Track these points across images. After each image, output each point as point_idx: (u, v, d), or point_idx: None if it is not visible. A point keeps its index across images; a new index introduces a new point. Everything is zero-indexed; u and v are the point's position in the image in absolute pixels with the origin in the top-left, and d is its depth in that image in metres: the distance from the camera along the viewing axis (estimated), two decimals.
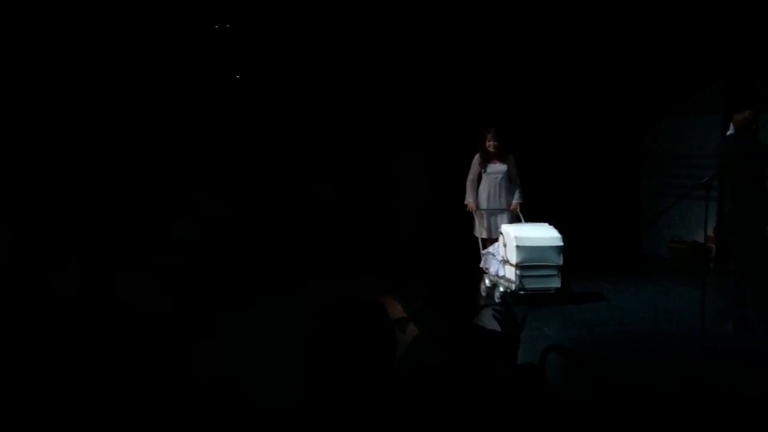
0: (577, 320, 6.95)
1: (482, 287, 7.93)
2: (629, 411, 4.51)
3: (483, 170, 8.03)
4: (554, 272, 7.37)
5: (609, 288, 8.20)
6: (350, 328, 2.18)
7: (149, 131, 9.35)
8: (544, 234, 7.53)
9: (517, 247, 7.28)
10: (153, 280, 6.11)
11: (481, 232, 8.11)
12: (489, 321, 3.54)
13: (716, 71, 9.25)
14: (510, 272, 7.42)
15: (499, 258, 7.63)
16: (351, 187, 10.08)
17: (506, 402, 2.61)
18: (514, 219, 8.03)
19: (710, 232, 8.78)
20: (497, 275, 7.64)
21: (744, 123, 6.35)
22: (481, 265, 7.93)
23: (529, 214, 8.13)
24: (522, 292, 7.28)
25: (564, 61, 9.84)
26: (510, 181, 8.04)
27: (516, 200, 8.04)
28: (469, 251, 8.28)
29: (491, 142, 7.90)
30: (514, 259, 7.31)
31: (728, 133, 6.58)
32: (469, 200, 8.09)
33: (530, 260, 7.30)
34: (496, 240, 7.85)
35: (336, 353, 2.14)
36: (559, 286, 7.40)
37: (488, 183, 8.03)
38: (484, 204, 8.07)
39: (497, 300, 7.54)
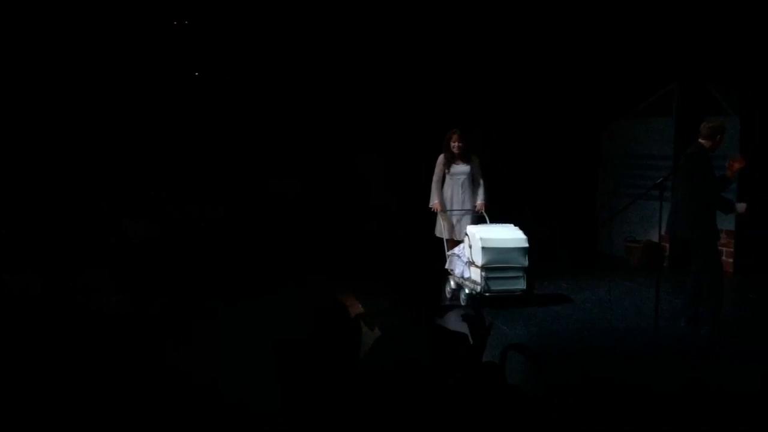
0: (536, 318, 7.05)
1: (447, 289, 7.90)
2: (587, 407, 4.63)
3: (447, 171, 8.02)
4: (519, 274, 7.36)
5: (566, 286, 8.35)
6: (317, 331, 2.21)
7: (108, 129, 9.20)
8: (509, 235, 7.50)
9: (483, 248, 7.25)
10: (109, 279, 6.02)
11: (445, 233, 8.06)
12: (454, 323, 3.60)
13: (670, 75, 9.48)
14: (475, 274, 7.39)
15: (465, 260, 7.59)
16: (316, 186, 10.07)
17: (467, 400, 2.66)
18: (479, 220, 8.01)
19: (664, 232, 9.02)
20: (462, 277, 7.59)
21: (710, 131, 6.45)
22: (446, 267, 7.88)
23: (490, 214, 8.19)
24: (487, 294, 7.24)
25: (524, 65, 9.97)
26: (473, 182, 8.05)
27: (480, 201, 8.02)
28: (432, 252, 8.32)
29: (456, 144, 7.90)
30: (479, 261, 7.28)
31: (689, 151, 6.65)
32: (434, 201, 8.05)
33: (496, 262, 7.27)
34: (460, 241, 7.86)
35: (305, 355, 2.16)
36: (525, 287, 7.38)
37: (452, 184, 8.03)
38: (448, 205, 8.05)
39: (462, 302, 7.54)
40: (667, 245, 9.37)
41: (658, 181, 6.39)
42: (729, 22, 8.68)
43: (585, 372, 5.48)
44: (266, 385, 2.26)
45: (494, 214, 8.09)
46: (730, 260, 8.75)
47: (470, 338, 2.84)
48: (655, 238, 8.62)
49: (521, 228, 7.68)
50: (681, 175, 6.57)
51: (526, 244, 7.41)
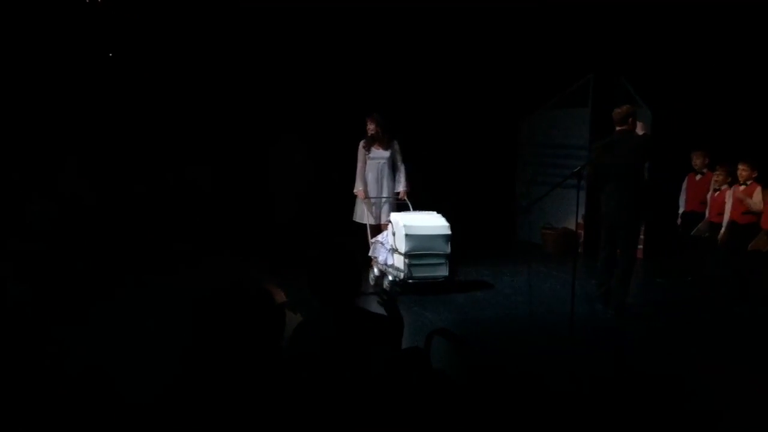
0: (458, 304, 7.13)
1: (371, 276, 7.90)
2: (507, 391, 4.70)
3: (367, 154, 8.08)
4: (442, 261, 7.42)
5: (487, 273, 8.49)
6: (234, 315, 2.14)
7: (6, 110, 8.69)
8: (432, 223, 7.55)
9: (407, 235, 7.28)
10: (9, 267, 5.74)
11: (369, 219, 8.11)
12: (376, 309, 3.58)
13: (586, 67, 9.74)
14: (399, 261, 7.42)
15: (388, 247, 7.61)
16: (228, 172, 9.86)
17: (391, 385, 2.64)
18: (402, 206, 8.07)
19: (580, 219, 9.29)
20: (386, 264, 7.61)
21: (622, 117, 6.63)
22: (370, 254, 7.89)
23: (412, 201, 8.25)
24: (410, 281, 7.29)
25: (446, 54, 10.02)
26: (393, 167, 8.11)
27: (402, 188, 8.09)
28: (352, 237, 8.32)
29: (371, 126, 7.99)
30: (402, 248, 7.31)
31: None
32: (358, 188, 8.09)
33: (419, 249, 7.31)
34: (382, 227, 7.89)
35: (218, 339, 2.10)
36: (447, 274, 7.45)
37: (372, 168, 8.08)
38: (370, 189, 8.08)
39: (386, 288, 7.54)
40: (582, 232, 9.67)
41: (575, 169, 6.51)
42: (642, 18, 8.98)
43: (505, 358, 5.58)
44: (166, 376, 2.19)
45: (416, 201, 8.16)
46: (640, 246, 9.08)
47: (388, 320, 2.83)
48: (572, 226, 8.87)
49: (442, 216, 7.74)
50: (609, 161, 6.67)
51: (449, 232, 7.48)
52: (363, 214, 8.15)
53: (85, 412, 2.70)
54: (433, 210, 7.86)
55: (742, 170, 7.29)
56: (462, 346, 3.77)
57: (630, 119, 6.62)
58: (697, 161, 8.16)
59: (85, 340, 4.99)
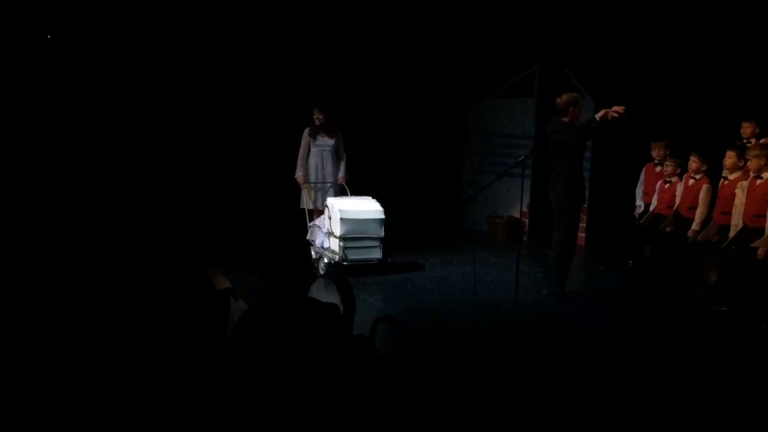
0: (404, 292, 7.17)
1: (320, 265, 7.99)
2: (452, 379, 4.75)
3: (312, 142, 8.47)
4: (376, 244, 7.69)
5: (433, 260, 8.55)
6: (181, 306, 2.12)
7: None
8: (366, 207, 7.80)
9: (341, 219, 7.54)
10: None
11: (308, 204, 8.47)
12: (317, 291, 3.56)
13: (531, 58, 9.86)
14: (334, 244, 7.68)
15: (325, 230, 7.87)
16: (177, 162, 9.66)
17: (339, 372, 2.64)
18: (341, 192, 8.45)
19: (525, 208, 9.44)
20: (322, 247, 7.87)
21: (563, 106, 6.72)
22: (308, 238, 8.09)
23: (359, 189, 8.36)
24: (345, 263, 7.51)
25: (392, 43, 9.99)
26: (337, 156, 8.53)
27: (341, 174, 8.50)
28: (298, 224, 8.39)
29: (318, 116, 8.39)
30: (338, 231, 7.57)
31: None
32: (299, 174, 8.51)
33: (353, 232, 7.57)
34: (323, 212, 8.09)
35: (169, 330, 2.07)
36: (381, 257, 7.73)
37: (316, 155, 8.50)
38: (312, 175, 8.49)
39: (321, 271, 7.62)
40: (527, 221, 9.82)
41: (520, 158, 6.62)
42: (587, 9, 9.12)
43: (450, 345, 5.63)
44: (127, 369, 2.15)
45: (363, 189, 8.27)
46: (582, 234, 9.26)
47: (340, 305, 2.83)
48: (517, 214, 8.99)
49: (386, 203, 7.90)
50: (552, 149, 6.80)
51: (383, 216, 7.73)
52: (304, 199, 8.50)
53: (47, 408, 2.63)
54: (376, 197, 8.01)
55: (693, 161, 7.36)
56: (406, 333, 3.79)
57: (571, 108, 6.71)
58: (657, 152, 8.17)
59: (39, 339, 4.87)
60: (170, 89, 9.48)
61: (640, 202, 8.47)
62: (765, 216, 6.28)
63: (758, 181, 6.43)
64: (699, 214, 7.19)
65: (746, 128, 7.56)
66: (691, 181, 7.39)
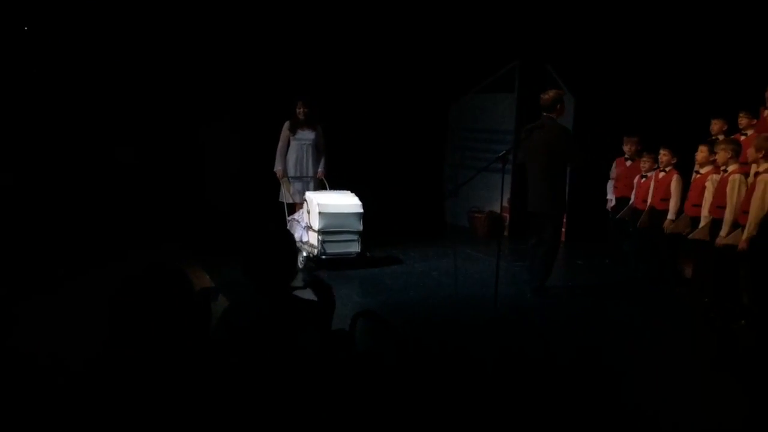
0: (385, 286, 7.19)
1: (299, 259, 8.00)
2: (433, 372, 4.78)
3: (292, 136, 8.42)
4: (354, 237, 7.71)
5: (414, 255, 8.58)
6: (152, 298, 2.10)
7: None
8: (345, 201, 7.82)
9: (320, 213, 7.55)
10: None
11: (287, 198, 8.45)
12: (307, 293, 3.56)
13: (512, 53, 9.89)
14: (313, 238, 7.68)
15: (303, 224, 7.88)
16: (156, 154, 9.60)
17: (319, 367, 2.65)
18: (320, 186, 8.43)
19: (506, 203, 9.48)
20: (301, 241, 7.84)
21: (550, 102, 6.70)
22: None
23: (340, 184, 8.33)
24: (324, 257, 7.53)
25: (375, 38, 9.99)
26: (317, 150, 8.49)
27: (321, 169, 8.48)
28: (279, 218, 8.36)
29: (301, 110, 8.35)
30: (316, 225, 7.58)
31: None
32: (278, 168, 8.47)
33: (332, 226, 7.59)
34: (302, 206, 8.08)
35: (137, 323, 2.05)
36: (359, 250, 7.73)
37: (296, 148, 8.45)
38: (291, 169, 8.45)
39: (300, 265, 7.61)
40: (508, 216, 9.87)
41: (501, 154, 6.61)
42: (566, 6, 9.17)
43: (430, 339, 5.66)
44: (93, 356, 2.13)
45: (344, 183, 8.26)
46: (563, 229, 9.31)
47: (318, 302, 2.83)
48: (498, 209, 9.04)
49: (368, 197, 7.92)
50: (534, 148, 6.72)
51: (361, 210, 7.76)
52: (283, 193, 8.48)
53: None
54: (358, 192, 8.00)
55: (663, 155, 7.46)
56: (386, 327, 3.81)
57: (558, 105, 6.72)
58: (628, 147, 8.24)
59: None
60: (150, 82, 9.42)
61: (611, 196, 8.59)
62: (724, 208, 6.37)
63: (724, 175, 6.53)
64: (673, 204, 7.30)
65: (715, 125, 7.69)
66: (662, 174, 7.50)
